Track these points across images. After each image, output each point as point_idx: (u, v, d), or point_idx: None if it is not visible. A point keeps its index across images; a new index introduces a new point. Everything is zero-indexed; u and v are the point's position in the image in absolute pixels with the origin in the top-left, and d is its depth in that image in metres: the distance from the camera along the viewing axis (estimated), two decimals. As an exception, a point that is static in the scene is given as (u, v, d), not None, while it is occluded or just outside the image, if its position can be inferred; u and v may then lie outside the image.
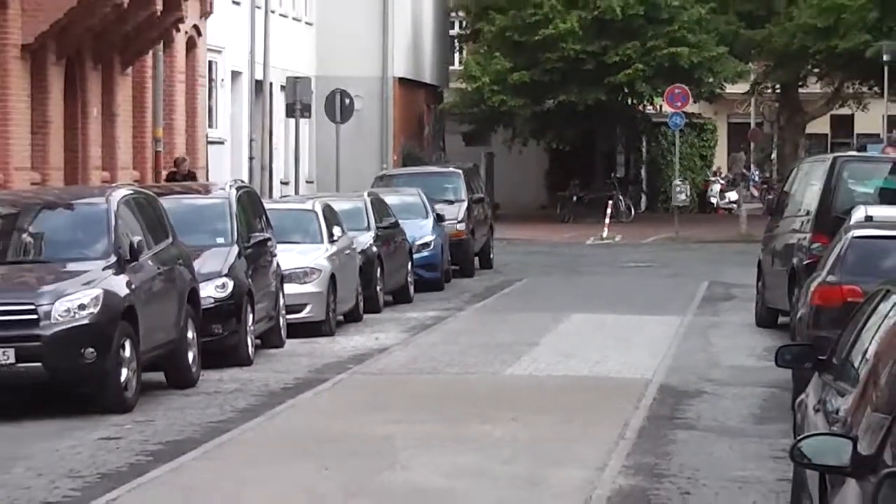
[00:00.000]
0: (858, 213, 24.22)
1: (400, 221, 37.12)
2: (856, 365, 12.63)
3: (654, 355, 26.99)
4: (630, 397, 22.43)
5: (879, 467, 8.08)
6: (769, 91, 77.37)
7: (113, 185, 29.59)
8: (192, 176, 38.68)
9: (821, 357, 13.97)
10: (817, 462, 8.91)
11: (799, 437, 11.03)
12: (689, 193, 69.67)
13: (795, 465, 11.64)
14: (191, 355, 23.68)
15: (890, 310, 12.52)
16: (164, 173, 40.05)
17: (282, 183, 50.80)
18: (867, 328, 12.95)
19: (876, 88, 62.10)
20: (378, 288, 33.80)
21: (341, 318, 30.69)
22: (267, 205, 31.48)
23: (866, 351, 12.55)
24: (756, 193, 74.94)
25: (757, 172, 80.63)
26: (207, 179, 38.73)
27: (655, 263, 47.23)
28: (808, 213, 29.43)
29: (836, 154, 38.71)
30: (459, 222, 42.12)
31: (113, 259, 21.87)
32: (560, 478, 16.99)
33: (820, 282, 20.83)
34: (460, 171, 46.10)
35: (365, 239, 33.54)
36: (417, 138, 64.76)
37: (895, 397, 10.12)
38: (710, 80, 67.99)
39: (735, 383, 24.02)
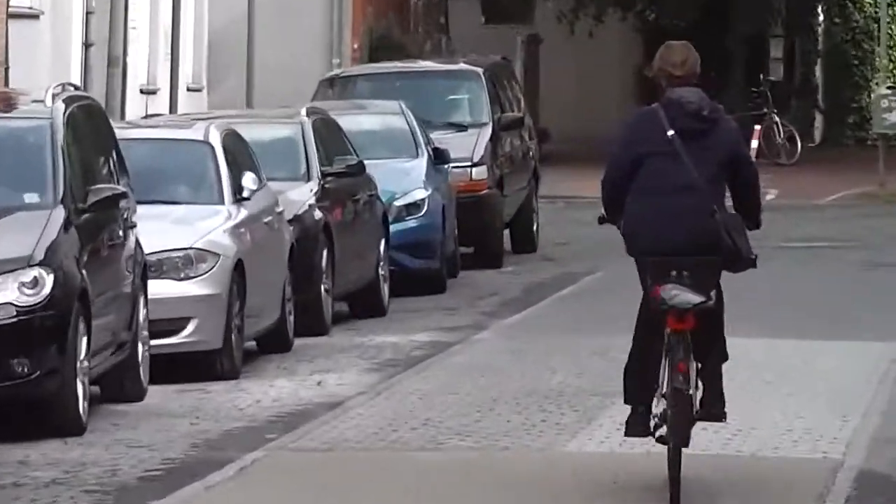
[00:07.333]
0: None
1: (366, 163, 12.50)
2: None
3: (843, 414, 7.82)
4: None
5: None
6: None
7: None
8: None
9: None
10: None
11: None
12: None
13: None
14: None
15: None
16: None
17: (142, 92, 18.73)
18: None
19: None
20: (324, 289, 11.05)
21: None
22: (119, 130, 9.72)
23: None
24: None
25: None
26: (7, 83, 13.97)
27: (842, 242, 18.21)
28: None
29: None
30: (476, 165, 15.54)
31: None
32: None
33: None
34: (479, 71, 17.09)
35: (302, 196, 10.95)
36: (397, 10, 25.30)
37: None
38: None
39: None
